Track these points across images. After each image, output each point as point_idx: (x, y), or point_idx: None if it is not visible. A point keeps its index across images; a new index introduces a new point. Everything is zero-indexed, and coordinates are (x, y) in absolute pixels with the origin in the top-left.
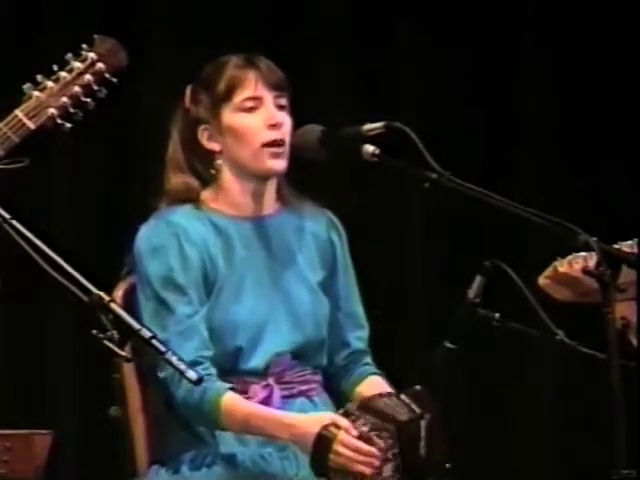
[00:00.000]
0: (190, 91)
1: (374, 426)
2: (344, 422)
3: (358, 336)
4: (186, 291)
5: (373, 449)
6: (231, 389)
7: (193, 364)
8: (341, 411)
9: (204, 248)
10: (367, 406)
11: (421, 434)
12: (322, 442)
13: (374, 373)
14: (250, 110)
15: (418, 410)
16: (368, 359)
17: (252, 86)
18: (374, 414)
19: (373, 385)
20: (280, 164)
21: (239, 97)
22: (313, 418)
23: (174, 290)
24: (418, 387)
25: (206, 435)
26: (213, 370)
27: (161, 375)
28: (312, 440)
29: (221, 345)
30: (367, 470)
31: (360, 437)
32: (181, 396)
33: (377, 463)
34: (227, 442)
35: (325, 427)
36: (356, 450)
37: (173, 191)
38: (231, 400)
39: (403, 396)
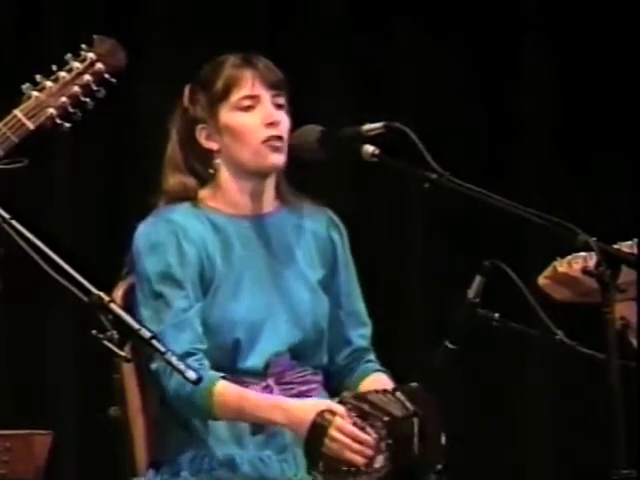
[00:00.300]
0: (188, 91)
1: (368, 416)
2: (340, 409)
3: (361, 334)
4: (183, 285)
5: (368, 437)
6: (223, 378)
7: (186, 355)
8: (337, 399)
9: (202, 246)
10: (362, 397)
11: (414, 431)
12: (317, 427)
13: (378, 370)
14: (247, 109)
15: (412, 408)
16: (371, 356)
17: (249, 85)
18: (369, 405)
19: (377, 382)
20: (279, 159)
21: (236, 96)
22: (309, 404)
23: (171, 285)
24: (414, 384)
25: (205, 436)
26: (206, 362)
27: (153, 367)
28: (307, 425)
29: (219, 343)
30: (359, 459)
31: (354, 425)
32: (172, 388)
33: (370, 452)
34: (225, 444)
35: (321, 412)
36: (351, 436)
37: (171, 190)
38: (224, 388)
39: (398, 393)
